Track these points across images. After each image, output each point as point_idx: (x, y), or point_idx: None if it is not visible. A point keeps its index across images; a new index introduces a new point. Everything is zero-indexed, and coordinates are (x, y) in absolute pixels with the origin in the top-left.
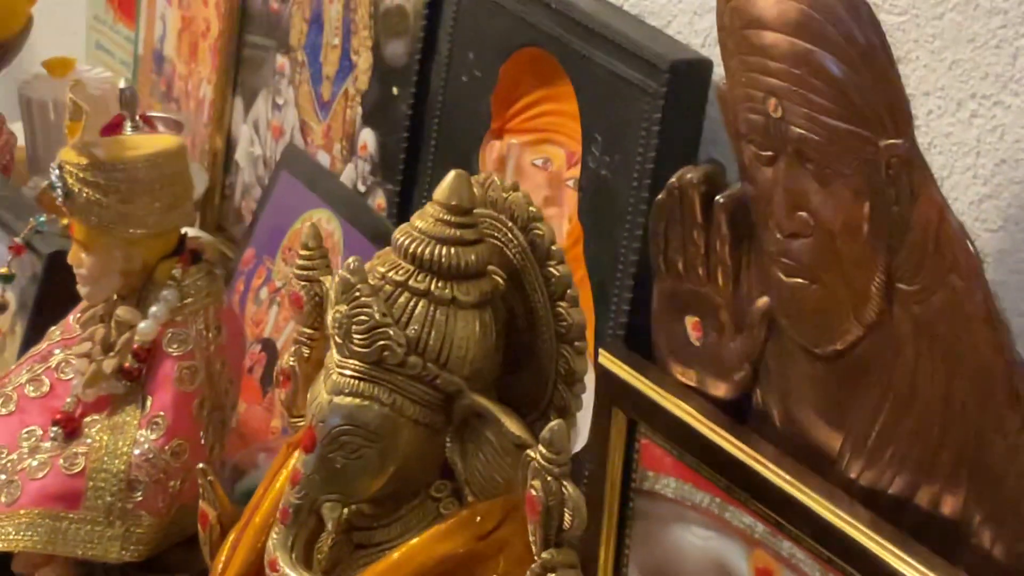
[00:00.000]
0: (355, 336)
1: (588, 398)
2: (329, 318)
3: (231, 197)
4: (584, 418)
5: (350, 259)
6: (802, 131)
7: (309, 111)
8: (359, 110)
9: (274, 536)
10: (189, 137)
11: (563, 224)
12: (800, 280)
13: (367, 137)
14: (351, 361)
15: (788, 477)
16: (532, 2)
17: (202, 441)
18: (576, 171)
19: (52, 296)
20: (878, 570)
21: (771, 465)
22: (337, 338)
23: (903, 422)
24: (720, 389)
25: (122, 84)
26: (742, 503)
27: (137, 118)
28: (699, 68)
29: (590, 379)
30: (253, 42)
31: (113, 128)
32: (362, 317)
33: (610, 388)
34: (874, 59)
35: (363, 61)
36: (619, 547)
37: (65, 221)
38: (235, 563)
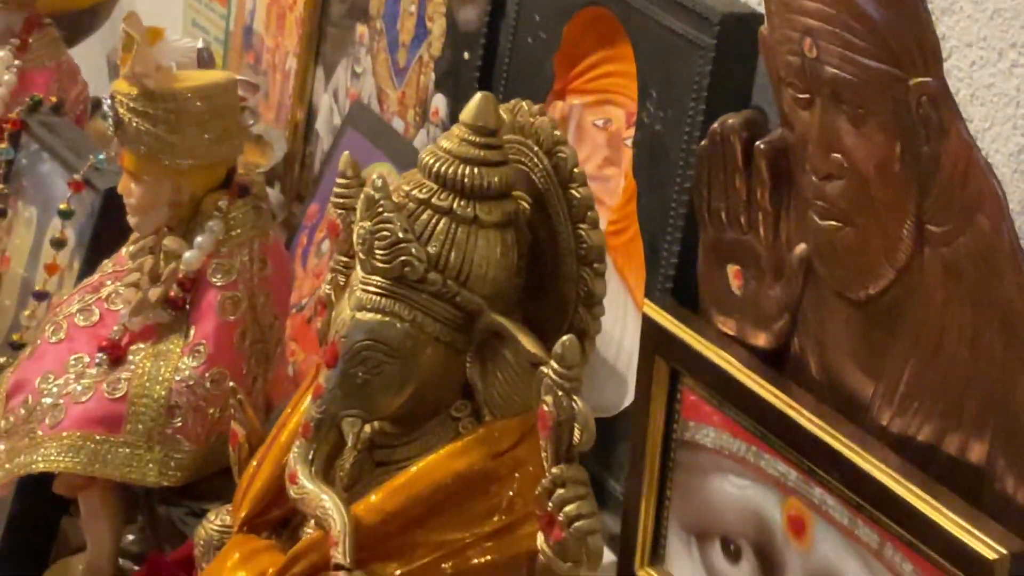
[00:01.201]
0: (377, 252)
1: (636, 347)
2: (354, 235)
3: (310, 166)
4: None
5: (374, 175)
6: (836, 71)
7: (385, 78)
8: (432, 76)
9: (295, 450)
10: (272, 106)
11: (620, 181)
12: (834, 223)
13: (439, 102)
14: (374, 277)
15: (822, 424)
16: None
17: (244, 371)
18: (634, 131)
19: (108, 232)
20: (905, 515)
21: (806, 412)
22: (360, 254)
23: (932, 368)
24: (760, 338)
25: (200, 44)
26: (777, 451)
27: None
28: (749, 22)
29: (637, 326)
30: (335, 13)
31: None
32: (384, 232)
33: (654, 338)
34: None
35: (437, 27)
36: (660, 499)
37: None
38: (260, 478)
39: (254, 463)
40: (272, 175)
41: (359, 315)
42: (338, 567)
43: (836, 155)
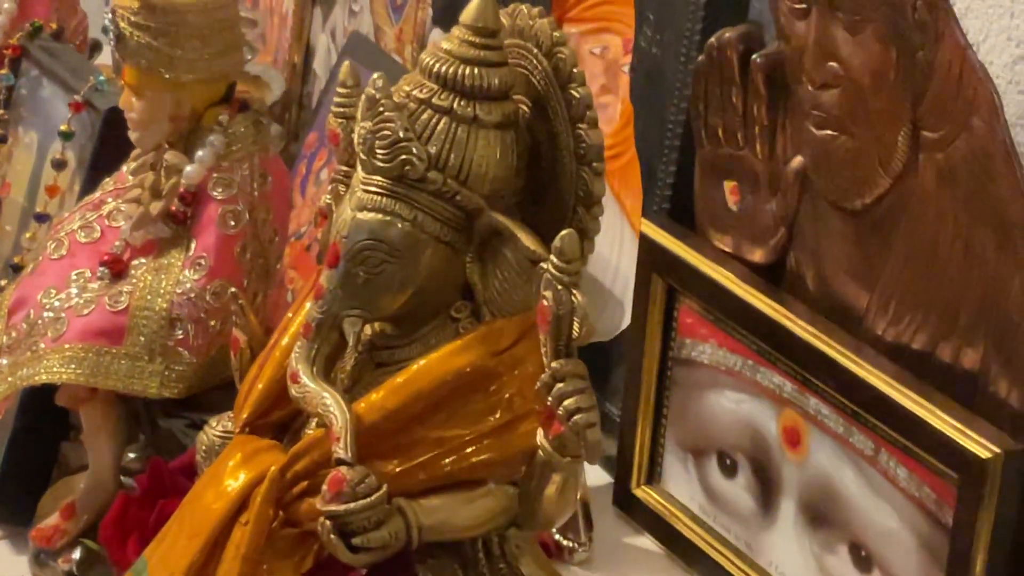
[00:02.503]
0: (378, 151)
1: (632, 272)
2: (355, 136)
3: (308, 106)
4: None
5: (375, 75)
6: None
7: (383, 15)
8: (429, 12)
9: (297, 350)
10: (270, 50)
11: (617, 106)
12: (830, 132)
13: (436, 37)
14: (375, 177)
15: (817, 333)
16: None
17: (244, 284)
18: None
19: (108, 152)
20: (900, 419)
21: (801, 323)
22: (361, 154)
23: (926, 275)
24: (756, 254)
25: None
26: (773, 363)
27: None
28: None
29: (634, 251)
30: None
31: None
32: (385, 132)
33: (651, 256)
34: None
35: None
36: (656, 418)
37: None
38: (262, 380)
39: (256, 367)
40: (270, 115)
41: (360, 215)
42: (340, 462)
43: (832, 64)
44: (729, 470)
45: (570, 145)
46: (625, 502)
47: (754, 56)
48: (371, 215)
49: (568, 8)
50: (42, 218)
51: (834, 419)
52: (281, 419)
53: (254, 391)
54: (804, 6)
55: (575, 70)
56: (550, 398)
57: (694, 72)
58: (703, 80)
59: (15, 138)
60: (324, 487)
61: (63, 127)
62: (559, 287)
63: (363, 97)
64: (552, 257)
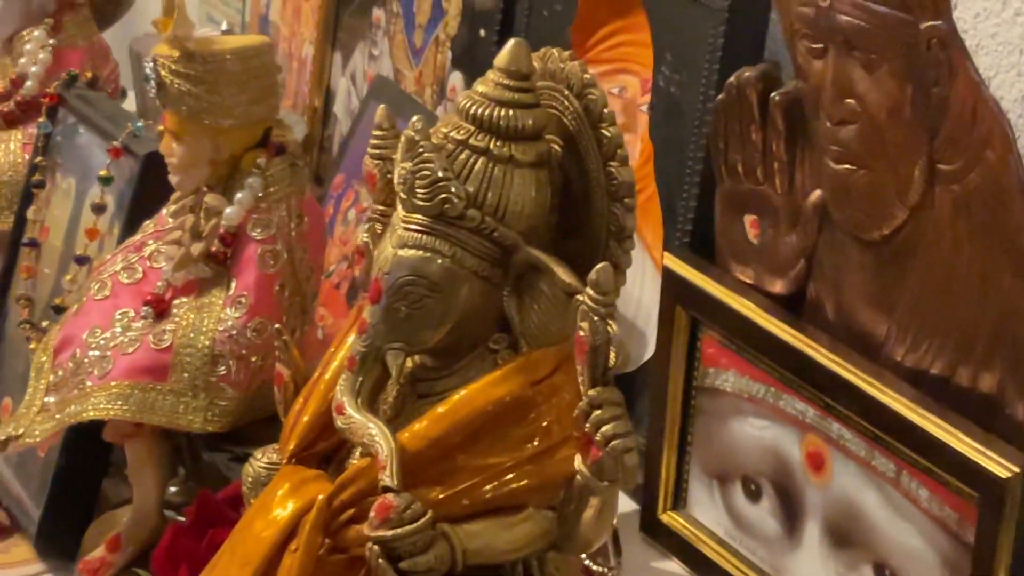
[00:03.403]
0: (418, 190)
1: (654, 304)
2: (395, 176)
3: (329, 149)
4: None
5: (414, 118)
6: (849, 19)
7: (402, 59)
8: (449, 55)
9: (341, 383)
10: (290, 95)
11: (636, 144)
12: (849, 166)
13: (456, 80)
14: (415, 216)
15: (839, 360)
16: None
17: (283, 322)
18: (650, 96)
19: (147, 196)
20: (921, 442)
21: (823, 350)
22: (402, 194)
23: (943, 304)
24: (777, 285)
25: (224, 27)
26: (795, 390)
27: None
28: None
29: (656, 284)
30: None
31: None
32: (425, 172)
33: (674, 289)
34: None
35: (453, 7)
36: (681, 445)
37: (161, 128)
38: (307, 412)
39: (300, 400)
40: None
41: (401, 252)
42: (387, 489)
43: (850, 101)
44: (754, 494)
45: (602, 182)
46: (652, 528)
47: (772, 94)
48: (412, 252)
49: (586, 50)
50: (82, 260)
51: (856, 443)
52: (326, 450)
53: (300, 423)
54: (821, 46)
55: (606, 111)
56: (588, 425)
57: (714, 110)
58: (723, 117)
59: (53, 184)
60: (372, 513)
61: (102, 172)
62: (595, 318)
63: (403, 139)
64: (588, 289)
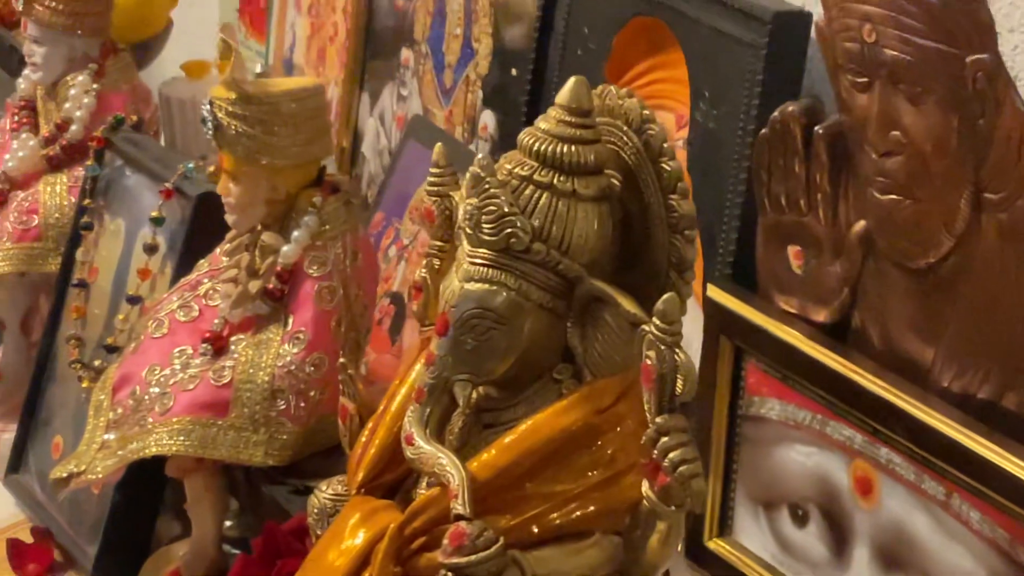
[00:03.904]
0: (484, 226)
1: (697, 334)
2: (461, 213)
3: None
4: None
5: (479, 155)
6: (895, 53)
7: (432, 98)
8: (480, 94)
9: (410, 414)
10: None
11: None
12: (895, 196)
13: (487, 119)
14: (481, 250)
15: (886, 385)
16: None
17: (340, 357)
18: (685, 132)
19: (199, 236)
20: (971, 464)
21: (870, 376)
22: (468, 229)
23: (990, 329)
24: (821, 314)
25: (259, 69)
26: (842, 416)
27: None
28: (799, 19)
29: (698, 315)
30: (379, 40)
31: None
32: (491, 207)
33: (717, 319)
34: None
35: (483, 47)
36: (727, 473)
37: (212, 169)
38: (374, 444)
39: (366, 432)
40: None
41: (468, 286)
42: (459, 517)
43: (895, 133)
44: (801, 520)
45: (662, 215)
46: (698, 555)
47: (816, 128)
48: (478, 285)
49: (621, 87)
50: (134, 300)
51: (905, 467)
52: (392, 480)
53: (367, 455)
54: (866, 80)
55: (665, 145)
56: (655, 451)
57: (757, 144)
58: (766, 151)
59: (101, 225)
60: (446, 541)
61: (154, 213)
62: (662, 347)
63: (468, 175)
64: (655, 319)
